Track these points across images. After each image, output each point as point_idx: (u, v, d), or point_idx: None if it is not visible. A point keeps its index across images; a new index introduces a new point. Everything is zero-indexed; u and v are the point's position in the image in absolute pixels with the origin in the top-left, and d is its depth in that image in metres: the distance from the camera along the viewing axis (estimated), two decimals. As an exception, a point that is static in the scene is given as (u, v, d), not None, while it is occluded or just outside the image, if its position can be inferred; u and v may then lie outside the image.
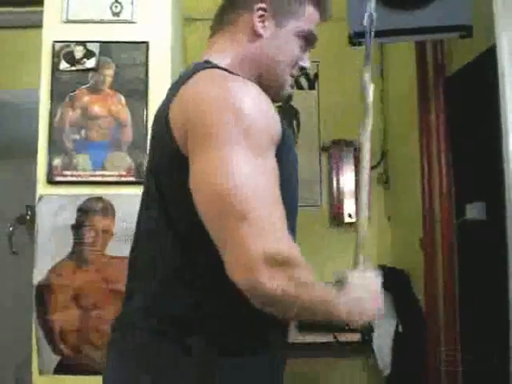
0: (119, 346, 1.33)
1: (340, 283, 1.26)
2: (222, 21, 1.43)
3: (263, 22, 1.37)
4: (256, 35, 1.37)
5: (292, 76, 1.44)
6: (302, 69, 1.45)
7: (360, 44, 2.69)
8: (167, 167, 1.25)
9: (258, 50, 1.37)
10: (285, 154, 1.23)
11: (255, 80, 1.32)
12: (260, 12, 1.37)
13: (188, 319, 1.22)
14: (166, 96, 1.32)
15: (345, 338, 3.49)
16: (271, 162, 1.16)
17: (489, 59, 2.41)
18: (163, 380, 1.21)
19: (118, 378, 1.30)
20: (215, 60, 1.35)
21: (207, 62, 1.34)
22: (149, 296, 1.28)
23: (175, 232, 1.24)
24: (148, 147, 1.42)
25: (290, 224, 1.21)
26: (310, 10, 1.42)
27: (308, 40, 1.42)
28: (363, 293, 1.25)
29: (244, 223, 1.07)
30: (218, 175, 1.10)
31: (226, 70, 1.28)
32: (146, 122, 2.48)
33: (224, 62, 1.34)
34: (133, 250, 1.40)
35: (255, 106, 1.16)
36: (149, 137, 1.43)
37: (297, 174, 1.39)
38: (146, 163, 1.46)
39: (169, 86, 2.35)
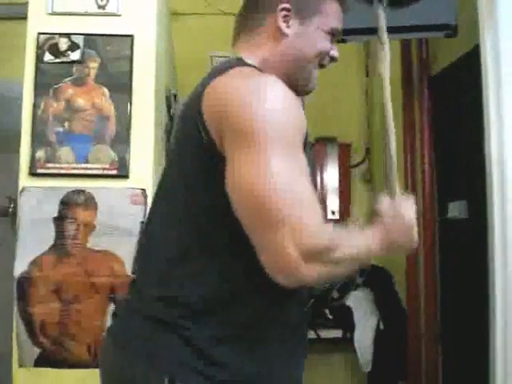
0: (120, 332, 1.36)
1: (376, 219, 1.33)
2: (246, 24, 1.46)
3: (287, 21, 1.40)
4: (281, 35, 1.40)
5: (322, 66, 1.48)
6: (332, 58, 1.49)
7: (345, 41, 2.70)
8: (197, 160, 1.26)
9: (284, 48, 1.40)
10: (304, 148, 1.26)
11: (283, 77, 1.33)
12: (284, 12, 1.40)
13: (199, 311, 1.25)
14: (196, 88, 1.33)
15: (326, 334, 3.52)
16: (303, 160, 1.20)
17: (473, 59, 2.43)
18: (164, 370, 1.22)
19: (117, 366, 1.32)
20: (246, 59, 1.38)
21: (239, 59, 1.37)
22: (159, 284, 1.31)
23: (195, 224, 1.27)
24: (172, 138, 1.43)
25: None
26: (332, 6, 1.45)
27: (333, 35, 1.46)
28: (398, 229, 1.33)
29: (280, 226, 1.11)
30: (256, 177, 1.14)
31: (256, 68, 1.32)
32: (130, 115, 2.47)
33: (253, 62, 1.37)
34: (145, 239, 1.44)
35: (288, 105, 1.20)
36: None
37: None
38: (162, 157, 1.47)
39: (153, 79, 2.34)
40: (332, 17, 1.44)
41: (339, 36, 1.50)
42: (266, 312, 1.29)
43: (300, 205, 1.13)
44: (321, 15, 1.42)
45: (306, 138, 1.27)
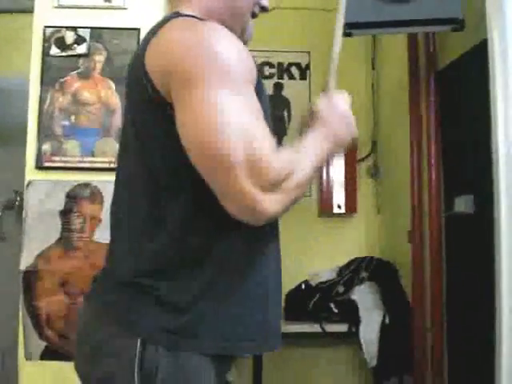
0: (95, 296, 1.36)
1: (312, 117, 1.39)
2: None
3: None
4: None
5: (253, 16, 1.47)
6: (262, 8, 1.48)
7: (351, 35, 2.70)
8: (149, 117, 1.26)
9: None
10: (259, 93, 1.26)
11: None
12: None
13: (168, 271, 1.25)
14: (138, 48, 1.33)
15: (331, 328, 3.52)
16: (253, 98, 1.20)
17: (480, 53, 2.42)
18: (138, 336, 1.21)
19: (90, 328, 1.31)
20: (183, 12, 1.37)
21: (176, 13, 1.36)
22: (129, 248, 1.31)
23: (155, 182, 1.27)
24: (124, 100, 1.42)
25: None
26: None
27: None
28: (336, 120, 1.41)
29: (234, 166, 1.12)
30: (205, 116, 1.14)
31: (194, 17, 1.31)
32: (136, 109, 2.47)
33: (190, 13, 1.36)
34: (113, 203, 1.42)
35: (231, 47, 1.21)
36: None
37: (268, 115, 1.41)
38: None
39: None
40: None
41: None
42: (237, 264, 1.28)
43: (250, 140, 1.14)
44: None
45: (259, 82, 1.28)
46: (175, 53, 1.19)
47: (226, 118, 1.13)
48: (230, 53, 1.19)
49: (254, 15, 1.47)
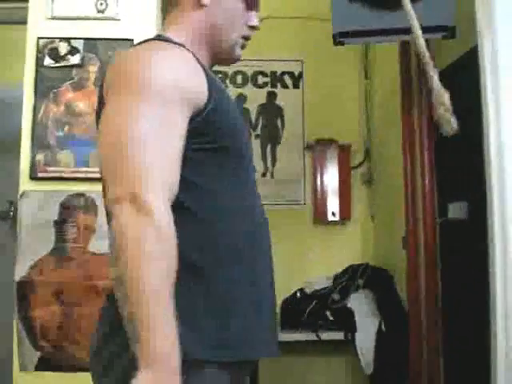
0: (104, 310, 1.37)
1: None
2: (168, 4, 1.49)
3: None
4: (199, 6, 1.42)
5: (244, 37, 1.49)
6: (252, 27, 1.50)
7: (343, 44, 2.71)
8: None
9: (204, 18, 1.43)
10: (218, 105, 1.29)
11: (208, 48, 1.43)
12: None
13: None
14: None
15: (327, 336, 3.52)
16: (175, 117, 1.20)
17: (471, 60, 2.43)
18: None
19: (94, 346, 1.32)
20: (168, 35, 1.41)
21: (158, 35, 1.42)
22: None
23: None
24: None
25: (246, 168, 1.38)
26: None
27: (247, 1, 1.47)
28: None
29: (126, 166, 1.13)
30: (120, 122, 1.17)
31: (167, 40, 1.36)
32: (130, 119, 2.48)
33: (177, 36, 1.40)
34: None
35: (167, 64, 1.25)
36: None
37: (241, 122, 1.45)
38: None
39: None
40: None
41: (256, 3, 1.50)
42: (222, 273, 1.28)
43: (148, 152, 1.14)
44: None
45: (213, 93, 1.28)
46: (122, 62, 1.30)
47: (135, 123, 1.16)
48: (164, 69, 1.23)
49: (246, 38, 1.50)
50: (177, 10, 1.45)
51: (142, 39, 1.39)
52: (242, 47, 1.51)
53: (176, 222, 1.14)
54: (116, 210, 1.11)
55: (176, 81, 1.23)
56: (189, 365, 1.13)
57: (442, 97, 1.67)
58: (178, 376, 1.07)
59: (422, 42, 1.68)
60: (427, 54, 1.68)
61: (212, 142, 1.27)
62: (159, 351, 1.05)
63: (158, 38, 1.39)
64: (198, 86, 1.26)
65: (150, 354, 1.05)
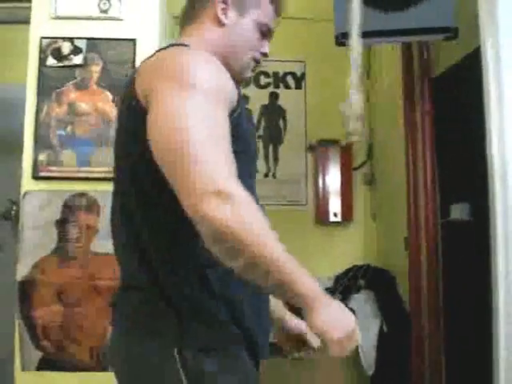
0: (119, 307, 1.41)
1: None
2: (188, 17, 1.53)
3: (225, 13, 1.48)
4: (220, 24, 1.47)
5: (255, 60, 1.54)
6: (263, 54, 1.55)
7: (345, 44, 2.71)
8: (135, 129, 1.30)
9: (221, 36, 1.48)
10: (242, 111, 1.34)
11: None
12: (222, 5, 1.47)
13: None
14: (130, 76, 1.41)
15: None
16: (223, 114, 1.24)
17: (474, 60, 2.43)
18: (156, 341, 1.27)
19: (123, 351, 1.35)
20: (182, 41, 1.45)
21: (174, 44, 1.44)
22: (125, 260, 1.41)
23: (141, 193, 1.33)
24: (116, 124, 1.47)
25: (252, 174, 1.43)
26: (267, 5, 1.53)
27: (263, 32, 1.53)
28: (342, 315, 1.26)
29: (196, 164, 1.14)
30: (174, 120, 1.19)
31: (186, 45, 1.39)
32: (133, 118, 2.48)
33: (195, 48, 1.41)
34: (112, 214, 1.50)
35: (216, 70, 1.30)
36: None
37: (255, 145, 1.50)
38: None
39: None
40: (264, 15, 1.52)
41: (271, 34, 1.56)
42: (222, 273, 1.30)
43: (213, 147, 1.17)
44: (257, 10, 1.50)
45: (240, 105, 1.33)
46: (158, 68, 1.30)
47: (193, 120, 1.18)
48: (207, 71, 1.27)
49: (257, 61, 1.55)
50: (196, 24, 1.49)
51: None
52: (253, 70, 1.56)
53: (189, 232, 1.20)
54: (208, 211, 1.11)
55: (220, 83, 1.28)
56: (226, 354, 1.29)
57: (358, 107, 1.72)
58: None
59: None
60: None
61: (232, 145, 1.28)
62: (316, 289, 1.21)
63: (183, 45, 1.40)
64: (233, 91, 1.31)
65: (314, 295, 1.19)
